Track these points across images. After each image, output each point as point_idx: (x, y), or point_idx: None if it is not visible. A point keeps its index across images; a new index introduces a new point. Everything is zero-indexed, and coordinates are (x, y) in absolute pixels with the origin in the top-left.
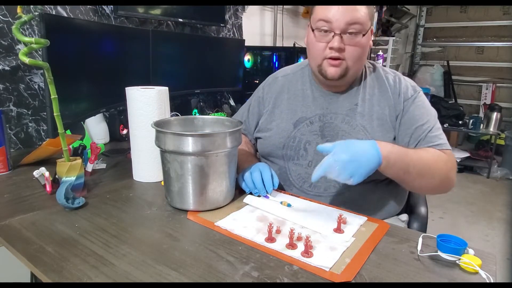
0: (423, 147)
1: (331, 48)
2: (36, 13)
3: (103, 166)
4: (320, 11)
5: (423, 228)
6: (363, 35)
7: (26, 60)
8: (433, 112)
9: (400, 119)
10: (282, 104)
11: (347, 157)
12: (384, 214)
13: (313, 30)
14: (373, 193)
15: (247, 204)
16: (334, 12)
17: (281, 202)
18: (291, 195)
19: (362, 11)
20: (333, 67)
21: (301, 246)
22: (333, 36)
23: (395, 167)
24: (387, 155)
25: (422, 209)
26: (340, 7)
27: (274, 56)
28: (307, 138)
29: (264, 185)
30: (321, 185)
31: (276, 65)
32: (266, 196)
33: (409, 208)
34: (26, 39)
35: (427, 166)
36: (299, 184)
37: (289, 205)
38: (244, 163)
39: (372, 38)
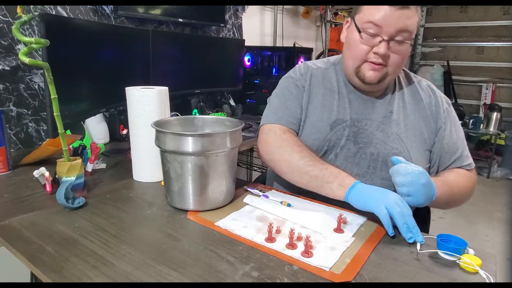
0: (456, 169)
1: (375, 53)
2: (36, 13)
3: (103, 166)
4: (370, 12)
5: (425, 229)
6: (411, 42)
7: (26, 60)
8: (461, 126)
9: (439, 133)
10: (316, 99)
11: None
12: None
13: (359, 31)
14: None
15: (247, 204)
16: (387, 16)
17: (281, 202)
18: (292, 194)
19: (413, 19)
20: (373, 71)
21: (301, 246)
22: (379, 42)
23: (437, 202)
24: (439, 196)
25: (423, 210)
26: (394, 11)
27: (274, 56)
28: (341, 143)
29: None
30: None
31: (276, 65)
32: (266, 196)
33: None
34: (26, 39)
35: (463, 193)
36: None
37: (289, 205)
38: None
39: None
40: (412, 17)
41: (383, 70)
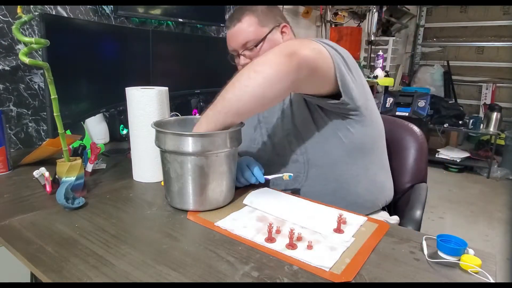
0: None
1: (241, 65)
2: (36, 13)
3: (103, 166)
4: (227, 42)
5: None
6: (256, 46)
7: (26, 60)
8: None
9: None
10: None
11: None
12: (353, 205)
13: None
14: (325, 180)
15: (247, 205)
16: (228, 39)
17: (282, 176)
18: (292, 195)
19: (247, 29)
20: None
21: (301, 246)
22: (239, 57)
23: (215, 109)
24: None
25: (418, 213)
26: (232, 34)
27: None
28: (263, 139)
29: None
30: (280, 183)
31: None
32: (267, 178)
33: (404, 211)
34: (26, 39)
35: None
36: (266, 184)
37: (290, 177)
38: None
39: (374, 38)
40: (240, 33)
41: None
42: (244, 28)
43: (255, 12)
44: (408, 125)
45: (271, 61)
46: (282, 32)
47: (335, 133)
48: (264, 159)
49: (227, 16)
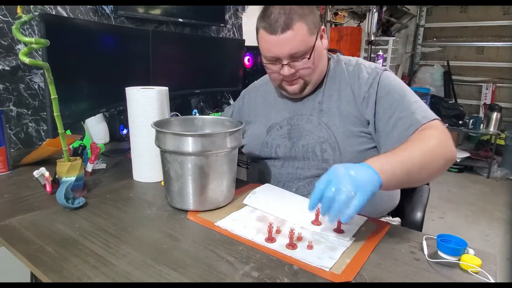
0: (407, 137)
1: (283, 74)
2: (36, 13)
3: (103, 166)
4: (262, 43)
5: (419, 229)
6: (309, 56)
7: (26, 60)
8: (404, 87)
9: (370, 108)
10: (260, 112)
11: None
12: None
13: (265, 62)
14: None
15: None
16: (273, 48)
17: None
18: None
19: (297, 39)
20: (291, 86)
21: (301, 246)
22: (282, 66)
23: (395, 176)
24: (380, 167)
25: (418, 214)
26: (279, 41)
27: None
28: (277, 142)
29: None
30: (292, 185)
31: None
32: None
33: (404, 212)
34: (26, 39)
35: (424, 156)
36: (274, 184)
37: None
38: None
39: (374, 38)
40: (294, 39)
41: (300, 82)
42: (294, 37)
43: (305, 19)
44: None
45: (450, 161)
46: (321, 36)
47: (375, 149)
48: (280, 161)
49: (227, 16)
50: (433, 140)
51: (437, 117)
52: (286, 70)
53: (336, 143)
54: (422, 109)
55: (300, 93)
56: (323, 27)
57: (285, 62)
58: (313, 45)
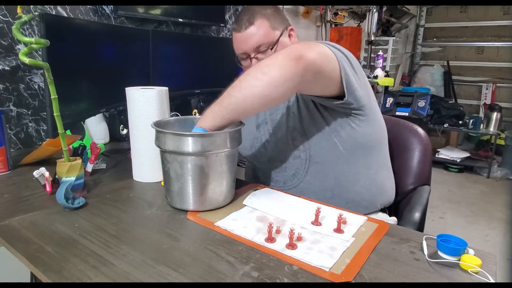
0: None
1: None
2: (36, 13)
3: (103, 166)
4: (235, 44)
5: (421, 230)
6: (271, 48)
7: (26, 60)
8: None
9: None
10: None
11: None
12: (350, 203)
13: (239, 60)
14: (324, 177)
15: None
16: (240, 44)
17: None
18: (293, 194)
19: (260, 33)
20: None
21: (301, 246)
22: (250, 60)
23: (210, 116)
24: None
25: (416, 215)
26: (244, 37)
27: None
28: (263, 134)
29: None
30: (280, 179)
31: None
32: None
33: (402, 212)
34: (26, 39)
35: (237, 87)
36: (264, 180)
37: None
38: None
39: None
40: (252, 36)
41: None
42: (257, 31)
43: (266, 16)
44: (413, 126)
45: (278, 63)
46: (289, 35)
47: (338, 131)
48: (266, 156)
49: (227, 16)
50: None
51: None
52: (254, 63)
53: (302, 129)
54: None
55: None
56: (291, 27)
57: (252, 55)
58: (277, 39)
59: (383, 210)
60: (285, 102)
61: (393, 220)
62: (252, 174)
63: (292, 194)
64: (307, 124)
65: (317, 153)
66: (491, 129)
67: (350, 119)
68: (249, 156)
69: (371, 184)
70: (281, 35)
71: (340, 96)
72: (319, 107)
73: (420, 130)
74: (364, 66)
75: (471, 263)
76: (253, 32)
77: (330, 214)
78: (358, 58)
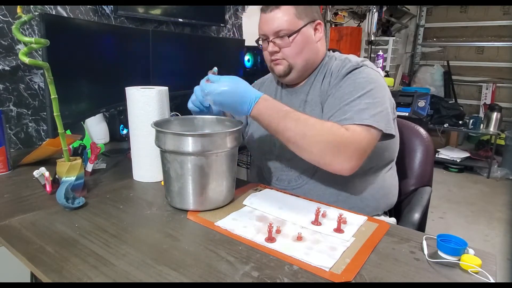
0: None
1: (269, 52)
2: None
3: (103, 166)
4: (259, 24)
5: (422, 229)
6: (289, 36)
7: (26, 60)
8: (368, 86)
9: (328, 96)
10: None
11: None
12: (353, 208)
13: (258, 41)
14: (331, 182)
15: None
16: (262, 22)
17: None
18: (293, 195)
19: (283, 18)
20: (276, 65)
21: (301, 246)
22: (268, 42)
23: (265, 114)
24: (261, 103)
25: (416, 215)
26: (267, 18)
27: None
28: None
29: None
30: (285, 178)
31: None
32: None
33: (401, 213)
34: (26, 39)
35: (308, 126)
36: (269, 179)
37: (215, 70)
38: None
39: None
40: (281, 17)
41: (284, 63)
42: (280, 15)
43: (296, 5)
44: (415, 127)
45: (349, 154)
46: (315, 29)
47: None
48: (274, 154)
49: (227, 16)
50: (325, 128)
51: (374, 126)
52: (270, 47)
53: None
54: (362, 112)
55: (285, 76)
56: (319, 21)
57: (270, 38)
58: (298, 28)
59: (384, 212)
60: (299, 103)
61: (392, 221)
62: (256, 172)
63: (292, 194)
64: None
65: None
66: (491, 129)
67: None
68: (257, 152)
69: (378, 192)
70: (304, 25)
71: None
72: None
73: (422, 130)
74: None
75: (471, 263)
76: (277, 15)
77: (330, 214)
78: None
